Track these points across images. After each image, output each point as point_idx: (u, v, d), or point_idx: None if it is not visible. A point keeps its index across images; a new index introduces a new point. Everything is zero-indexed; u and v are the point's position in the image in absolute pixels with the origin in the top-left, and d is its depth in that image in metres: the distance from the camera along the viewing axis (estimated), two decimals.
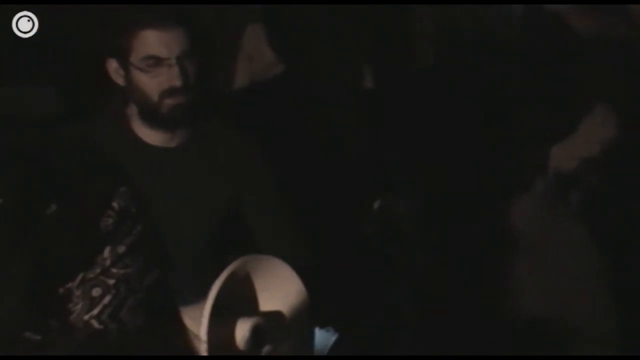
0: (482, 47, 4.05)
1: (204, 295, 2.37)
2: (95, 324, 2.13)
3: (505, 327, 3.19)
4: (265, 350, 2.43)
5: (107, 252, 2.19)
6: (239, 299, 2.45)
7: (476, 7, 4.22)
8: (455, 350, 3.08)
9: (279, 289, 2.51)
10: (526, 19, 4.03)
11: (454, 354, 3.04)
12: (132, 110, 3.12)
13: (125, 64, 3.07)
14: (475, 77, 3.94)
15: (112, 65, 3.09)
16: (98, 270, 2.17)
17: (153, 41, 3.04)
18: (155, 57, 3.04)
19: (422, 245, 3.34)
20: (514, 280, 3.39)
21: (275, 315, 2.48)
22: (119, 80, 3.10)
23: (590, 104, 3.73)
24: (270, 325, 2.47)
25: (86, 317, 2.12)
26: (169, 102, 3.05)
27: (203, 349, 2.33)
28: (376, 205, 3.14)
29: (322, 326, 2.70)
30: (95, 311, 2.14)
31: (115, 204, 2.28)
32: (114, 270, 2.17)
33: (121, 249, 2.22)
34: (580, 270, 3.34)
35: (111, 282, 2.17)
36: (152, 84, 3.05)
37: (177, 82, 3.03)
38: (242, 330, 2.41)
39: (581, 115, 3.69)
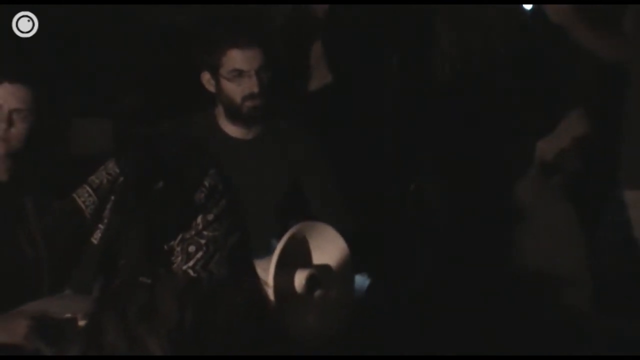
0: (489, 65, 4.03)
1: (271, 252, 2.37)
2: (190, 272, 2.12)
3: (508, 276, 3.18)
4: (317, 294, 2.41)
5: (199, 219, 2.18)
6: (297, 254, 2.43)
7: (486, 17, 4.21)
8: (467, 297, 3.06)
9: (327, 247, 2.48)
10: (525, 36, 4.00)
11: (467, 300, 3.02)
12: (220, 111, 3.17)
13: (216, 76, 3.12)
14: (484, 88, 3.94)
15: (206, 77, 3.14)
16: (193, 232, 2.16)
17: (237, 58, 3.08)
18: (239, 70, 3.09)
19: (446, 217, 3.34)
20: (515, 240, 3.37)
21: (325, 267, 2.47)
22: (211, 88, 3.15)
23: (566, 108, 3.73)
24: (321, 275, 2.43)
25: (184, 267, 2.12)
26: (248, 104, 3.11)
27: (270, 293, 2.32)
28: (412, 187, 3.13)
29: (360, 274, 2.69)
30: (191, 263, 2.14)
31: (206, 182, 2.26)
32: (205, 232, 2.17)
33: (210, 216, 2.21)
34: (563, 233, 3.32)
35: (203, 241, 2.16)
36: (236, 90, 3.10)
37: (255, 89, 3.08)
38: (300, 279, 2.40)
39: (560, 116, 3.69)
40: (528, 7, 3.55)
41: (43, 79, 2.91)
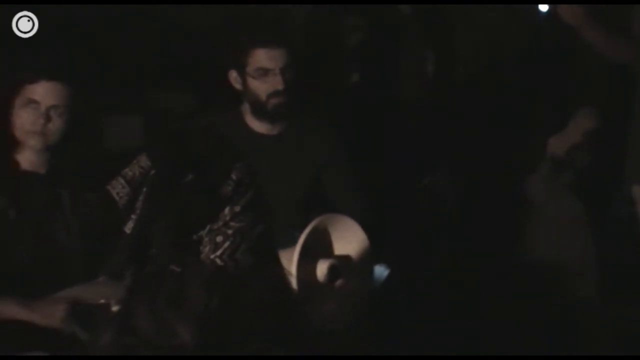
0: (502, 65, 4.03)
1: (294, 242, 2.38)
2: (218, 261, 2.12)
3: (519, 265, 3.17)
4: (338, 283, 2.42)
5: (227, 210, 2.17)
6: (319, 245, 2.46)
7: (500, 20, 4.16)
8: (479, 285, 3.05)
9: (348, 239, 2.51)
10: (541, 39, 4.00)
11: (479, 289, 3.01)
12: (246, 108, 3.17)
13: (242, 74, 3.12)
14: (498, 87, 3.94)
15: (233, 75, 3.14)
16: (220, 223, 2.15)
17: (263, 57, 3.08)
18: (264, 68, 3.08)
19: (460, 210, 3.33)
20: (526, 231, 3.39)
21: (346, 257, 2.48)
22: (237, 85, 3.14)
23: (576, 106, 3.73)
24: (342, 265, 2.46)
25: (212, 256, 2.12)
26: (273, 101, 3.10)
27: (293, 281, 2.33)
28: (426, 180, 3.12)
29: (378, 264, 2.69)
30: (218, 252, 2.13)
31: (233, 176, 2.25)
32: (232, 223, 2.17)
33: (237, 208, 2.20)
34: (571, 225, 3.33)
35: (230, 232, 2.16)
36: (261, 88, 3.10)
37: (280, 87, 3.08)
38: (322, 268, 2.43)
39: (570, 114, 3.69)
40: (543, 8, 3.52)
41: (79, 77, 2.91)
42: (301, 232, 2.40)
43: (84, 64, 3.41)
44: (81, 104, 2.87)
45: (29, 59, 3.09)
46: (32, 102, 2.83)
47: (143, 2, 4.25)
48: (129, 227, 2.20)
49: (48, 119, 2.82)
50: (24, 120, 2.83)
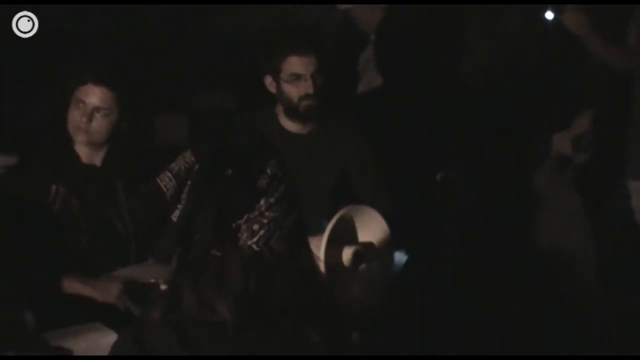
0: (513, 69, 4.00)
1: (323, 230, 2.38)
2: (254, 247, 2.11)
3: (524, 253, 3.15)
4: (361, 267, 2.41)
5: (262, 202, 2.16)
6: (345, 233, 2.42)
7: (510, 28, 4.16)
8: (488, 270, 3.05)
9: (371, 227, 2.47)
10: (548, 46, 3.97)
11: (488, 272, 3.01)
12: (279, 109, 3.16)
13: (276, 79, 3.10)
14: (508, 90, 3.90)
15: (268, 80, 3.12)
16: (257, 213, 2.14)
17: (296, 63, 3.06)
18: (296, 74, 3.07)
19: (472, 202, 3.31)
20: (530, 223, 3.30)
21: (369, 244, 2.46)
22: (272, 89, 3.13)
23: (580, 107, 3.69)
24: (365, 251, 2.43)
25: (249, 242, 2.11)
26: (304, 103, 3.09)
27: (321, 266, 2.33)
28: (439, 176, 3.10)
29: (398, 251, 2.66)
30: (255, 239, 2.12)
31: (268, 170, 2.24)
32: (267, 213, 2.16)
33: (271, 200, 2.19)
34: (573, 217, 3.25)
35: (265, 221, 2.15)
36: (293, 92, 3.08)
37: (310, 91, 3.06)
38: (347, 254, 2.41)
39: (574, 114, 3.65)
40: (549, 17, 3.49)
41: (125, 83, 2.89)
42: (329, 221, 2.39)
43: (134, 69, 3.38)
44: (127, 106, 2.87)
45: (88, 61, 3.10)
46: (81, 101, 2.85)
47: None
48: (175, 216, 2.21)
49: (91, 118, 2.83)
50: (73, 117, 2.86)
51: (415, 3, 3.98)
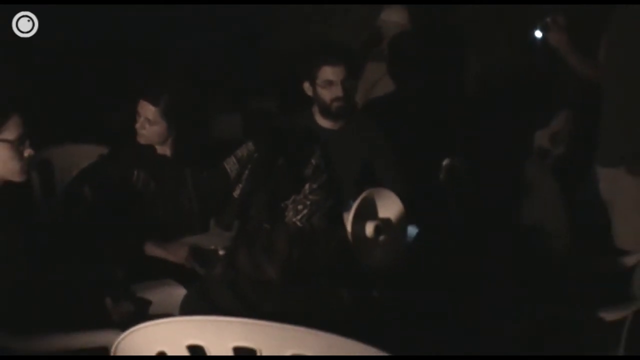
0: (504, 77, 4.00)
1: (350, 209, 2.35)
2: (298, 223, 2.05)
3: (515, 229, 3.14)
4: (381, 238, 2.38)
5: (307, 186, 2.11)
6: (368, 211, 2.40)
7: (501, 42, 4.16)
8: (485, 241, 3.06)
9: (389, 206, 2.45)
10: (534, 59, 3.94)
11: (485, 241, 3.01)
12: (315, 109, 3.18)
13: (313, 84, 3.12)
14: (500, 95, 3.91)
15: (306, 85, 3.14)
16: (302, 196, 2.09)
17: (328, 72, 3.08)
18: (329, 80, 3.08)
19: (471, 185, 3.30)
20: (522, 203, 3.26)
21: (387, 220, 2.44)
22: (310, 92, 3.15)
23: (558, 108, 3.70)
24: (384, 225, 2.42)
25: (294, 219, 2.06)
26: (335, 105, 3.10)
27: (349, 236, 2.31)
28: (445, 162, 3.07)
29: (410, 225, 2.65)
30: (299, 217, 2.07)
31: (312, 161, 2.17)
32: (310, 196, 2.10)
33: (314, 185, 2.13)
34: (551, 199, 3.26)
35: (308, 202, 2.09)
36: (327, 95, 3.10)
37: (340, 94, 3.07)
38: (369, 227, 2.39)
39: (553, 114, 3.66)
40: (538, 35, 3.49)
41: (165, 99, 2.86)
42: (355, 201, 2.37)
43: (191, 81, 3.38)
44: (175, 115, 2.91)
45: (150, 78, 3.07)
46: (138, 113, 2.97)
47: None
48: (236, 193, 2.17)
49: (144, 126, 2.94)
50: (137, 123, 2.96)
51: (421, 3, 4.00)
